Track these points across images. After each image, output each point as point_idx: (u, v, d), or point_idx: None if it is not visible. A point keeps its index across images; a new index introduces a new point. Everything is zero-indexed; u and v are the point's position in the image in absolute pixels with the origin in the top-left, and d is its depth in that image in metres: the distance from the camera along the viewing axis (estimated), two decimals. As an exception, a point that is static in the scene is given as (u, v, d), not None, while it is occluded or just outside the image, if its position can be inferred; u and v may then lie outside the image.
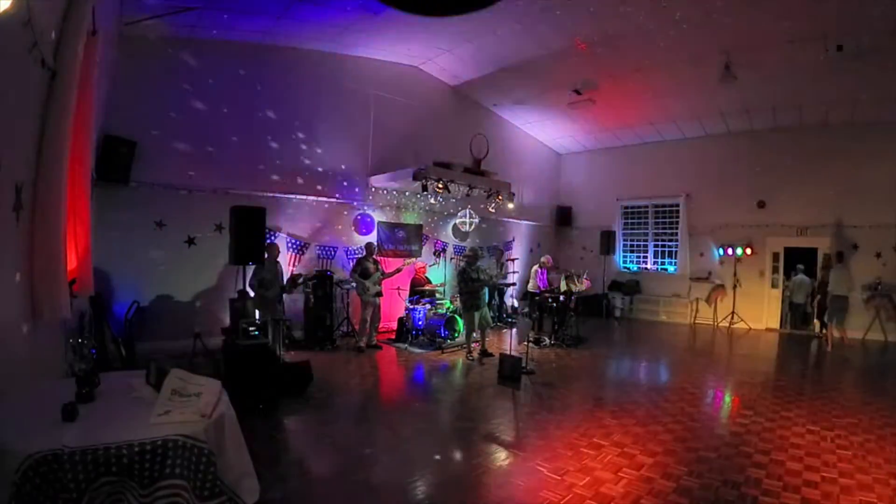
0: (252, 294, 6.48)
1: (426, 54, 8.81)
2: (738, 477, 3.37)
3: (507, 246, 11.82)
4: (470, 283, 7.01)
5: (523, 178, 11.97)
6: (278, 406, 4.63)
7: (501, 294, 10.65)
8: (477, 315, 7.09)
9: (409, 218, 9.83)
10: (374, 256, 7.66)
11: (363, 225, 9.01)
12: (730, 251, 10.98)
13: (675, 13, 6.63)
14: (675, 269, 12.01)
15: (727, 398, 5.69)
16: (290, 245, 7.97)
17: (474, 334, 7.21)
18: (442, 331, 7.82)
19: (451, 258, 10.45)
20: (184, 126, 6.89)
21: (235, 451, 2.19)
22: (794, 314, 10.53)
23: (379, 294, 7.48)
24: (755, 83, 8.40)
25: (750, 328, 10.58)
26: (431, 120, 9.86)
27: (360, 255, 7.88)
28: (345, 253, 8.72)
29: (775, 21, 6.61)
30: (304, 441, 3.90)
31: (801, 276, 10.32)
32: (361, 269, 7.32)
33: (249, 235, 5.56)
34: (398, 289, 8.64)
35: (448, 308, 8.30)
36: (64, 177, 2.74)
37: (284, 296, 7.01)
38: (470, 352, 7.18)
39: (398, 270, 7.80)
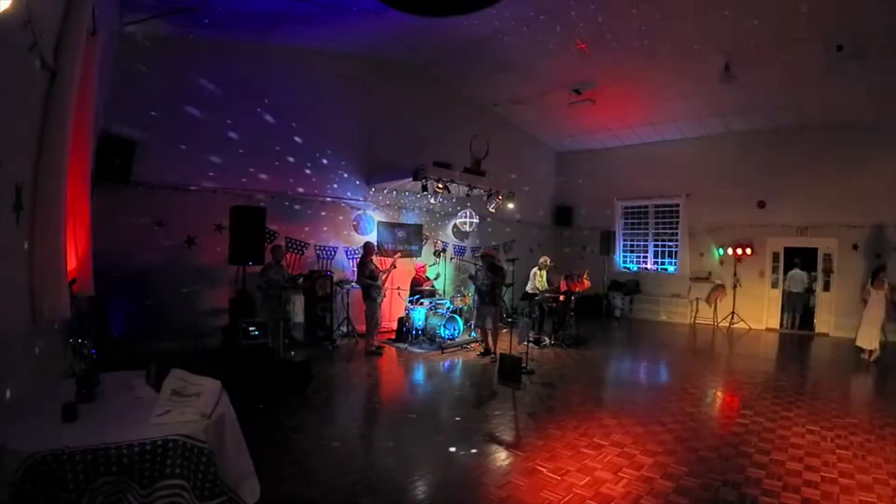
0: (260, 293, 6.49)
1: (427, 54, 8.81)
2: (738, 477, 3.37)
3: (508, 246, 11.80)
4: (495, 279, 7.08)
5: (523, 178, 11.95)
6: (278, 406, 4.63)
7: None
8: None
9: (409, 218, 9.83)
10: (373, 256, 7.56)
11: (363, 225, 9.01)
12: (729, 251, 11.01)
13: (675, 13, 6.63)
14: (675, 269, 12.01)
15: (727, 398, 5.69)
16: (289, 245, 7.96)
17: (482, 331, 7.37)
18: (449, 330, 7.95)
19: (451, 258, 10.45)
20: (183, 126, 6.88)
21: (235, 451, 2.20)
22: (793, 305, 10.53)
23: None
24: (755, 83, 8.38)
25: (750, 328, 10.59)
26: (431, 120, 9.86)
27: (361, 257, 7.69)
28: (345, 253, 8.72)
29: (775, 21, 6.60)
30: (304, 441, 3.89)
31: (796, 270, 10.38)
32: (369, 272, 7.21)
33: (249, 235, 5.57)
34: (398, 289, 8.62)
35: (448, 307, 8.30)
36: (64, 177, 2.74)
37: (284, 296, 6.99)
38: (487, 351, 7.28)
39: (393, 267, 7.71)
